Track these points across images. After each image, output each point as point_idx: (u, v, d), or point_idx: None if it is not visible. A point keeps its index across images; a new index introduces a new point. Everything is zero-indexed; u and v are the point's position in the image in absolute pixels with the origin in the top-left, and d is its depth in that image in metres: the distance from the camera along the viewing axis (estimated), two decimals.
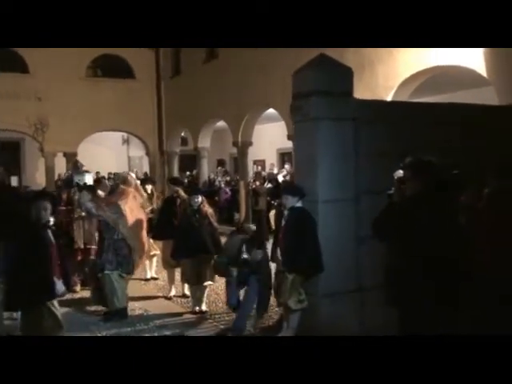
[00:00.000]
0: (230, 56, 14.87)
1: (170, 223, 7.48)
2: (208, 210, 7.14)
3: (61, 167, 17.87)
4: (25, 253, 4.40)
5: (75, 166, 9.19)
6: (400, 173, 4.21)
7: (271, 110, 13.85)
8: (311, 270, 5.49)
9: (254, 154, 18.52)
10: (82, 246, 8.21)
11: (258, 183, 14.03)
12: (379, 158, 5.70)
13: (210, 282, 7.19)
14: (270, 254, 6.11)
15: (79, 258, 8.29)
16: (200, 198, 7.07)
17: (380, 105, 6.30)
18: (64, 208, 8.38)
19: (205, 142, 17.65)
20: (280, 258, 5.66)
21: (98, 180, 9.76)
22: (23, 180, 21.07)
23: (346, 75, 5.66)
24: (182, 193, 7.91)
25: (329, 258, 5.44)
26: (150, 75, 19.64)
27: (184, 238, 6.92)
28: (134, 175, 7.54)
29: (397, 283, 3.83)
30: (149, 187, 9.27)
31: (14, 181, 21.30)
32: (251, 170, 18.44)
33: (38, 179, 19.82)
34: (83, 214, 8.05)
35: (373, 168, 5.73)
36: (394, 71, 9.93)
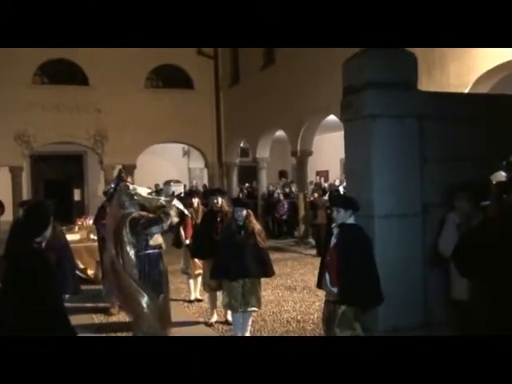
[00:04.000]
0: (286, 60, 14.15)
1: (210, 240, 6.66)
2: (256, 226, 6.22)
3: None
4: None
5: (119, 177, 8.53)
6: (502, 175, 3.14)
7: (334, 119, 12.88)
8: (367, 301, 4.53)
9: (316, 164, 17.74)
10: None
11: (316, 195, 12.96)
12: (453, 162, 4.70)
13: (255, 309, 6.31)
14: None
15: None
16: (245, 212, 6.16)
17: (453, 98, 5.19)
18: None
19: (263, 152, 16.93)
20: (328, 284, 4.70)
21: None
22: (86, 192, 21.18)
23: (407, 62, 4.65)
24: (225, 205, 7.07)
25: (390, 287, 4.50)
26: (208, 85, 19.24)
27: (225, 257, 6.06)
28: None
29: (486, 323, 2.78)
30: (195, 200, 8.59)
31: (76, 194, 21.55)
32: (314, 181, 17.58)
33: (99, 191, 19.77)
34: None
35: (445, 175, 4.71)
36: (468, 65, 8.74)
